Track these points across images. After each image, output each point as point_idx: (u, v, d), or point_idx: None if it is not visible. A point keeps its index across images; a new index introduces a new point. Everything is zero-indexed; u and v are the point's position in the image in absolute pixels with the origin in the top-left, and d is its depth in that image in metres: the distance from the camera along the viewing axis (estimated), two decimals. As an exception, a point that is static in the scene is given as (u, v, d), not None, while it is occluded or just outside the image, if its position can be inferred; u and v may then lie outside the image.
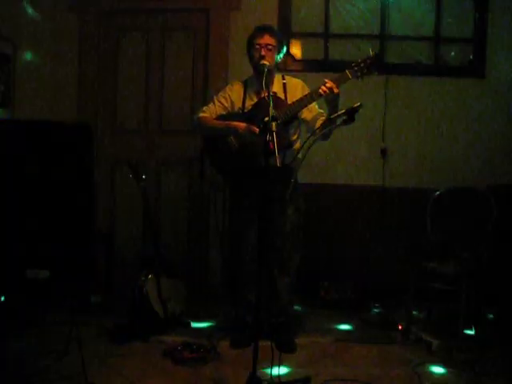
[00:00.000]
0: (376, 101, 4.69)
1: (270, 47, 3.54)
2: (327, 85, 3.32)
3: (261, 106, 3.47)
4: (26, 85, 4.44)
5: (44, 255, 3.65)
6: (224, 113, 3.68)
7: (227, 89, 3.73)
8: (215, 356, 3.44)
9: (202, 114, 3.70)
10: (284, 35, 4.68)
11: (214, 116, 3.68)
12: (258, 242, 3.04)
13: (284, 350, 3.41)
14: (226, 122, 3.58)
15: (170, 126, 4.97)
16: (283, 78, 3.72)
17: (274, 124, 2.89)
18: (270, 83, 3.53)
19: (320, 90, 3.34)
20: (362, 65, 3.34)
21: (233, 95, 3.69)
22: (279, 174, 3.08)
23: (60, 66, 4.87)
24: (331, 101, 3.38)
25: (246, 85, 3.71)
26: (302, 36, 4.85)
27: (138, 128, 5.00)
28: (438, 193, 4.19)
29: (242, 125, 3.49)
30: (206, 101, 4.80)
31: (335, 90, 3.32)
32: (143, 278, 3.89)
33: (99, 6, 4.87)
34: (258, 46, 3.54)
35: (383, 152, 4.72)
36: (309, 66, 4.80)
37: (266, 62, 3.38)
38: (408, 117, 4.76)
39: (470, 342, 3.70)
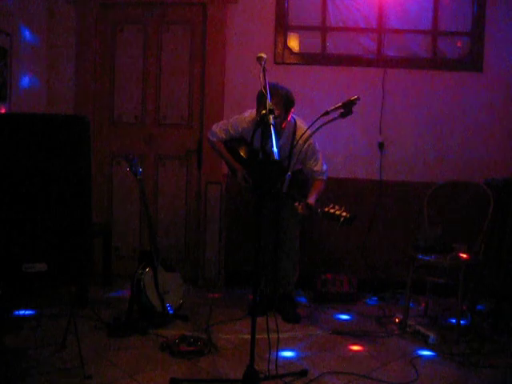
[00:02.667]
0: (373, 94, 4.69)
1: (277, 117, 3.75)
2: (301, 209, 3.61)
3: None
4: (22, 78, 4.43)
5: (41, 249, 3.65)
6: (233, 133, 4.04)
7: (239, 123, 3.98)
8: (212, 349, 3.45)
9: (214, 139, 4.11)
10: (281, 28, 4.73)
11: (221, 139, 4.08)
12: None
13: (288, 320, 3.96)
14: (232, 162, 4.05)
15: (167, 119, 4.97)
16: (295, 125, 3.88)
17: (270, 117, 2.89)
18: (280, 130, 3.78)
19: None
20: (332, 211, 3.34)
21: (243, 131, 3.97)
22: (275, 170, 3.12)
23: (57, 59, 4.86)
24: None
25: (256, 124, 3.80)
26: (300, 29, 4.84)
27: (136, 121, 4.99)
28: (435, 186, 4.19)
29: (240, 173, 3.99)
30: (203, 94, 4.84)
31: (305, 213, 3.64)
32: (140, 272, 3.89)
33: (96, -1, 4.86)
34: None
35: (380, 145, 4.72)
36: (306, 59, 4.80)
37: (262, 55, 3.35)
38: (405, 110, 4.76)
39: (466, 335, 3.72)
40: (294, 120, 3.89)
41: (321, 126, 3.31)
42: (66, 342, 3.34)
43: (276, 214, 4.00)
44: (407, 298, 3.94)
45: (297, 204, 3.60)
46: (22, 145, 3.65)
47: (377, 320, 4.09)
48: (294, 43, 4.83)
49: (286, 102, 3.74)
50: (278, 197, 3.77)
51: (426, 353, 3.52)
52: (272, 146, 2.82)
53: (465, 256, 3.76)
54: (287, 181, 3.60)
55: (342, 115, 3.15)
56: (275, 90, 3.59)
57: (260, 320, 2.92)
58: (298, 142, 3.75)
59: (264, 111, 2.93)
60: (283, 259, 4.12)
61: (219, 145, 4.10)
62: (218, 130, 4.09)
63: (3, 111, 4.15)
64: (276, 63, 4.71)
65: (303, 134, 3.68)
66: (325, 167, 3.91)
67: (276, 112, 3.60)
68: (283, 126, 3.81)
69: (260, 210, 2.98)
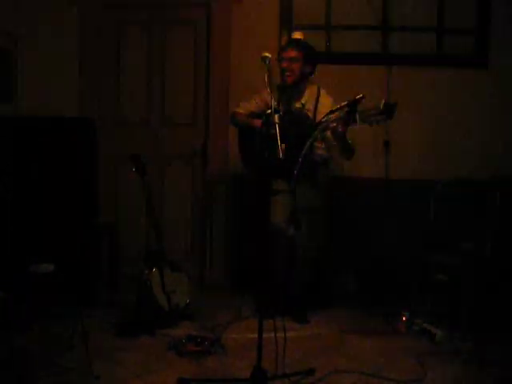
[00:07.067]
0: (378, 92, 4.67)
1: (293, 59, 3.87)
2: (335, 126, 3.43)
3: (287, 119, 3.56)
4: (27, 80, 4.44)
5: (48, 250, 3.67)
6: (255, 111, 4.03)
7: (264, 91, 3.92)
8: (219, 349, 3.45)
9: (237, 109, 4.14)
10: (285, 27, 4.73)
11: (247, 112, 4.07)
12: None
13: (298, 321, 3.95)
14: (252, 120, 3.98)
15: (172, 119, 4.98)
16: (318, 92, 3.97)
17: (276, 116, 2.90)
18: (296, 93, 3.94)
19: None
20: (372, 112, 3.26)
21: (268, 97, 3.86)
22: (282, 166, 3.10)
23: (61, 60, 4.86)
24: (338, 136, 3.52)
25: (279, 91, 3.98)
26: (304, 28, 4.82)
27: (141, 122, 5.00)
28: (441, 184, 4.18)
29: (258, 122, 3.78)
30: (208, 94, 4.84)
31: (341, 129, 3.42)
32: (147, 272, 3.90)
33: None
34: (281, 59, 3.90)
35: (386, 144, 4.70)
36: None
37: (267, 54, 3.36)
38: (411, 108, 4.74)
39: (473, 333, 3.71)
40: (319, 87, 3.98)
41: (327, 126, 3.30)
42: (74, 343, 3.35)
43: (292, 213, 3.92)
44: (414, 296, 3.93)
45: (329, 131, 3.46)
46: (28, 147, 3.67)
47: (383, 318, 4.09)
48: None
49: (307, 48, 3.94)
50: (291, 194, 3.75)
51: (432, 350, 3.51)
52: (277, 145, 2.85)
53: (471, 254, 3.75)
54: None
55: (348, 114, 3.14)
56: (300, 40, 3.98)
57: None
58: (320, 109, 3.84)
59: (269, 110, 2.94)
60: (297, 262, 4.05)
61: (239, 113, 4.10)
62: (245, 103, 4.11)
63: (9, 113, 4.16)
64: (279, 59, 4.69)
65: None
66: None
67: (292, 54, 3.86)
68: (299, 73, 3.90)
69: (268, 209, 2.97)
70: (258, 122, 3.85)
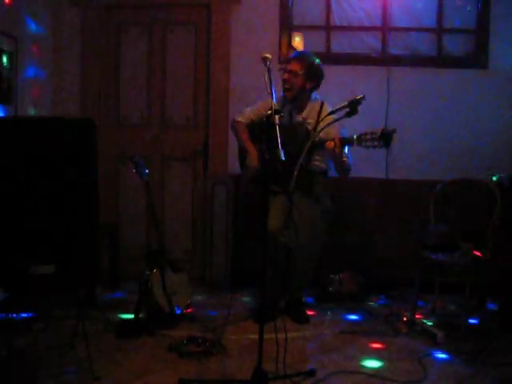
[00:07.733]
0: (379, 92, 4.68)
1: (294, 73, 3.83)
2: (332, 145, 3.49)
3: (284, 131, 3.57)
4: (27, 81, 4.44)
5: (49, 251, 3.66)
6: (255, 119, 3.98)
7: (268, 100, 3.79)
8: (220, 349, 3.45)
9: (238, 119, 4.06)
10: (285, 28, 4.73)
11: (247, 120, 4.01)
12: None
13: (298, 321, 3.94)
14: (248, 144, 3.95)
15: (173, 120, 4.98)
16: (321, 107, 3.91)
17: (277, 117, 2.90)
18: (297, 107, 3.91)
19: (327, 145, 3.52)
20: (368, 136, 3.28)
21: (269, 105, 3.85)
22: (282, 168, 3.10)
23: (62, 62, 4.87)
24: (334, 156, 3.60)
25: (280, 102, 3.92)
26: (304, 29, 4.83)
27: (141, 122, 5.00)
28: (441, 184, 4.18)
29: (253, 160, 3.89)
30: (208, 95, 4.85)
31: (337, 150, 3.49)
32: (148, 273, 3.90)
33: (101, 1, 4.86)
34: (284, 69, 3.93)
35: (386, 144, 4.70)
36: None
37: (267, 55, 3.36)
38: (411, 108, 4.75)
39: (474, 333, 3.71)
40: (322, 102, 3.94)
41: (327, 125, 3.31)
42: (75, 344, 3.35)
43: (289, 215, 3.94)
44: (415, 297, 3.93)
45: (328, 143, 3.49)
46: (28, 147, 3.66)
47: (384, 319, 4.08)
48: (298, 43, 4.82)
49: (310, 67, 3.84)
50: (288, 198, 3.76)
51: (434, 351, 3.51)
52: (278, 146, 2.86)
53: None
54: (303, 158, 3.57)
55: (348, 114, 3.14)
56: (305, 55, 3.95)
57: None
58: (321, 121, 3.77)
59: (270, 111, 2.94)
60: (297, 264, 4.03)
61: (240, 125, 4.03)
62: (248, 110, 4.05)
63: (10, 114, 4.16)
64: (281, 63, 4.70)
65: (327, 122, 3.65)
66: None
67: (294, 67, 3.81)
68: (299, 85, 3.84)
69: (267, 210, 2.98)
70: (251, 151, 3.91)
